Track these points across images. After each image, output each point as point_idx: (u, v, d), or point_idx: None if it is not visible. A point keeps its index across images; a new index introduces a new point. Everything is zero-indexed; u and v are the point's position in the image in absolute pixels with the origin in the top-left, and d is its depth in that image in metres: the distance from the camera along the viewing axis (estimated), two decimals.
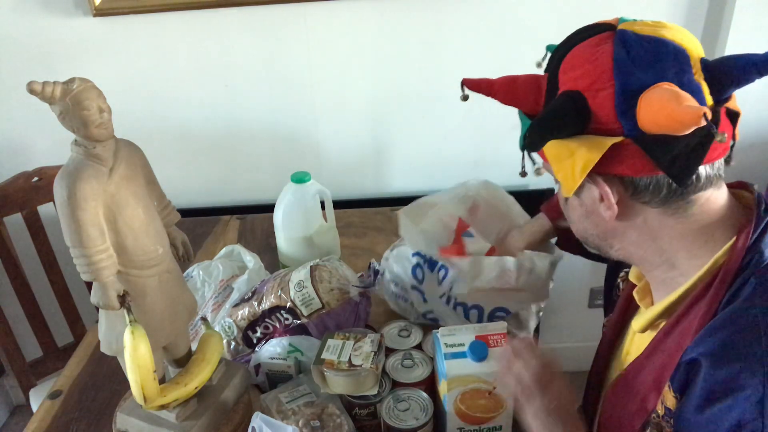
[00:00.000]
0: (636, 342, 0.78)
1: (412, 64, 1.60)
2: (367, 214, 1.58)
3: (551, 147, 0.67)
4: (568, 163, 0.65)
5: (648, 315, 0.73)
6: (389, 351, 0.95)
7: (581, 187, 0.67)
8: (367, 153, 1.72)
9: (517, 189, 1.77)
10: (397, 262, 1.09)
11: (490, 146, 1.70)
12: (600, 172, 0.65)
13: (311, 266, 1.01)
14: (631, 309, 0.82)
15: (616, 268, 0.92)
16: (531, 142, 0.68)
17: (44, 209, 1.56)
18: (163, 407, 0.82)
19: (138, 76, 1.60)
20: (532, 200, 1.79)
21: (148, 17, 1.52)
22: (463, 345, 0.84)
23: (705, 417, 0.61)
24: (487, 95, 0.74)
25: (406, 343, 0.97)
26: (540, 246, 1.06)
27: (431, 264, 1.05)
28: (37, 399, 1.54)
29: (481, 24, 1.55)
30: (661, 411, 0.68)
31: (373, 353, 0.89)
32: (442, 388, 0.85)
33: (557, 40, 0.72)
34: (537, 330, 1.13)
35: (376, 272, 1.03)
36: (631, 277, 0.80)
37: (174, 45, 1.57)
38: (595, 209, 0.69)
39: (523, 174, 0.75)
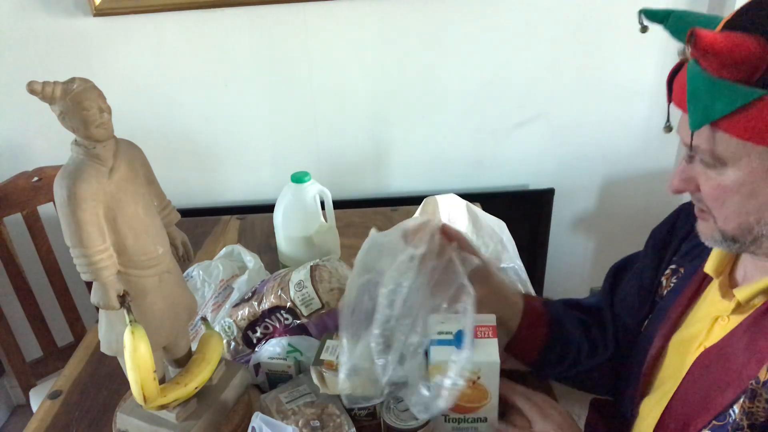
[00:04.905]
0: (718, 326, 0.77)
1: (412, 64, 1.60)
2: (367, 214, 1.58)
3: None
4: None
5: (755, 288, 0.71)
6: None
7: (747, 155, 0.63)
8: (367, 153, 1.72)
9: (517, 189, 1.77)
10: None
11: (490, 146, 1.70)
12: None
13: (311, 266, 1.01)
14: (694, 300, 0.82)
15: (655, 268, 0.91)
16: None
17: (44, 209, 1.56)
18: (163, 407, 0.82)
19: (138, 76, 1.60)
20: (532, 200, 1.80)
21: (148, 17, 1.52)
22: (450, 333, 0.84)
23: None
24: (700, 50, 0.59)
25: None
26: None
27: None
28: (37, 399, 1.54)
29: (481, 24, 1.55)
30: (763, 377, 0.67)
31: None
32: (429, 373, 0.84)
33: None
34: None
35: None
36: (709, 270, 0.78)
37: (174, 45, 1.57)
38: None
39: (668, 129, 0.70)
